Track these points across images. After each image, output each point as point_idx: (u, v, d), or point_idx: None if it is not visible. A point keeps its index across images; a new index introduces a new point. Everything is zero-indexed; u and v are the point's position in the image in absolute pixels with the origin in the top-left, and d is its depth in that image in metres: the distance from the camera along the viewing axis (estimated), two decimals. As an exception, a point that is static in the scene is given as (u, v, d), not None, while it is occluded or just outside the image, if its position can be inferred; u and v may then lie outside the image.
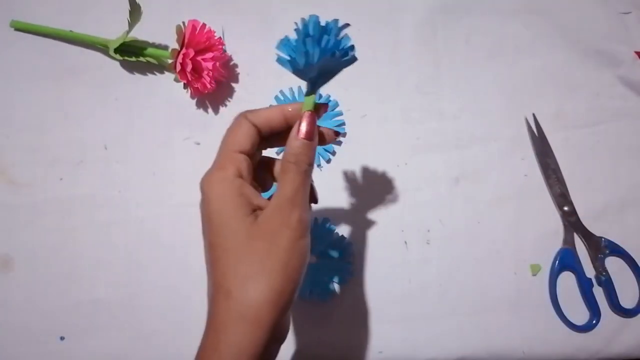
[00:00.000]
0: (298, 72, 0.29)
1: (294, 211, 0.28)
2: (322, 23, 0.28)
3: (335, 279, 0.46)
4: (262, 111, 0.31)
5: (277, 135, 0.31)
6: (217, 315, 0.27)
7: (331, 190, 0.49)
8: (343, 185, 0.49)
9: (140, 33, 0.48)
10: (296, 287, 0.28)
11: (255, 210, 0.29)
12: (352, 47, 0.28)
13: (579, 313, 0.48)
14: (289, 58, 0.28)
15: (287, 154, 0.29)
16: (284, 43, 0.28)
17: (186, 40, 0.46)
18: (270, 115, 0.30)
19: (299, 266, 0.28)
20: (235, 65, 0.51)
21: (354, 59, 0.29)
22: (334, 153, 0.50)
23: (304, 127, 0.29)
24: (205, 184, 0.29)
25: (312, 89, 0.30)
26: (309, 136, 0.29)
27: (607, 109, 0.52)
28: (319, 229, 0.47)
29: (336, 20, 0.28)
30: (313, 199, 0.32)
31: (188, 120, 0.50)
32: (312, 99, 0.30)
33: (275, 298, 0.27)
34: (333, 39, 0.28)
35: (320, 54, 0.28)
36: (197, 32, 0.46)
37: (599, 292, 0.48)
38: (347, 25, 0.28)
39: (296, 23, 0.28)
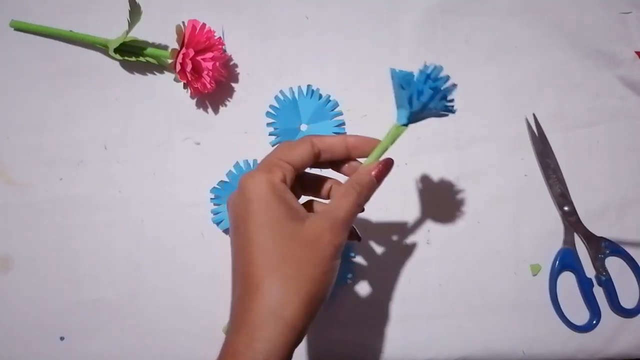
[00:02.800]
0: (405, 104, 0.31)
1: (342, 233, 0.30)
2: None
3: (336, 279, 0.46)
4: (327, 138, 0.33)
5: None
6: (250, 313, 0.28)
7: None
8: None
9: (140, 33, 0.48)
10: (326, 298, 0.30)
11: (295, 217, 0.30)
12: (452, 100, 0.31)
13: (579, 313, 0.48)
14: (404, 90, 0.31)
15: (354, 182, 0.31)
16: (404, 75, 0.30)
17: (186, 40, 0.46)
18: (334, 143, 0.33)
19: (332, 280, 0.30)
20: (235, 65, 0.51)
21: (452, 112, 0.32)
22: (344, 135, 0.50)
23: (380, 169, 0.32)
24: (249, 182, 0.30)
25: (407, 123, 0.32)
26: (379, 179, 0.32)
27: (607, 109, 0.52)
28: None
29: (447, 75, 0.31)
30: (356, 236, 0.36)
31: (188, 120, 0.50)
32: (402, 131, 0.32)
33: (311, 305, 0.28)
34: (446, 91, 0.30)
35: (437, 101, 0.30)
36: (197, 32, 0.46)
37: (599, 292, 0.48)
38: (455, 85, 0.31)
39: (425, 64, 0.30)
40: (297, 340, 0.28)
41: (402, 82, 0.30)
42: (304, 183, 0.35)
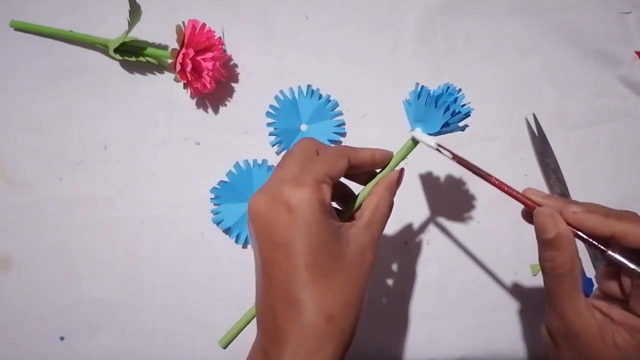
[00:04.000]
0: (430, 120, 0.33)
1: (379, 244, 0.31)
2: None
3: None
4: (360, 153, 0.33)
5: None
6: (303, 334, 0.28)
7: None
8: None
9: (140, 33, 0.48)
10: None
11: (339, 236, 0.30)
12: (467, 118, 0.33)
13: (579, 313, 0.48)
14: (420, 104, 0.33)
15: (384, 192, 0.33)
16: (434, 94, 0.32)
17: (186, 40, 0.46)
18: (365, 159, 0.33)
19: (366, 294, 0.31)
20: (235, 65, 0.51)
21: (463, 130, 0.34)
22: (344, 134, 0.50)
23: (400, 177, 0.34)
24: (298, 200, 0.28)
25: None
26: (399, 184, 0.34)
27: (607, 109, 0.52)
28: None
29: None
30: None
31: (188, 120, 0.50)
32: (416, 144, 0.34)
33: (358, 320, 0.29)
34: (462, 112, 0.32)
35: (461, 120, 0.33)
36: (197, 32, 0.46)
37: (599, 292, 0.48)
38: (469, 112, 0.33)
39: (448, 85, 0.33)
40: (346, 353, 0.29)
41: (434, 100, 0.32)
42: None
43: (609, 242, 0.30)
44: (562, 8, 0.53)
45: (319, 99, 0.50)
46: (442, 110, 0.32)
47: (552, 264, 0.30)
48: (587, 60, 0.52)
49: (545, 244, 0.30)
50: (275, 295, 0.29)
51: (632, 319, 0.30)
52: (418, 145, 0.34)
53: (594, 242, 0.30)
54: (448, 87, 0.32)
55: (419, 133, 0.33)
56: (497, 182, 0.32)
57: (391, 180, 0.33)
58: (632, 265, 0.29)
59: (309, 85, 0.50)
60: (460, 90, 0.32)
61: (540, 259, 0.31)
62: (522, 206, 0.50)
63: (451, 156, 0.32)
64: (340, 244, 0.29)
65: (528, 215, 0.33)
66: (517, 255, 0.48)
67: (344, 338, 0.28)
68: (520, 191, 0.32)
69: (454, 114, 0.32)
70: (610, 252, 0.29)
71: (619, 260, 0.29)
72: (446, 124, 0.32)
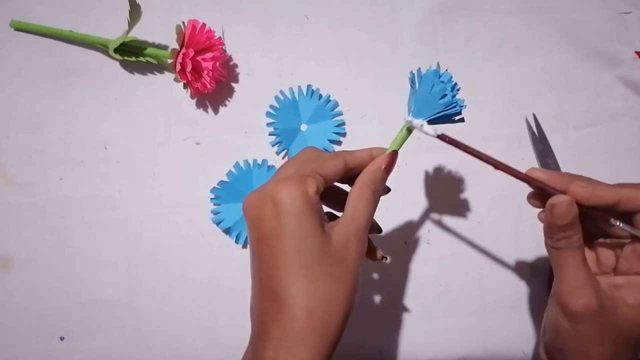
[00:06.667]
0: (430, 102, 0.32)
1: (365, 236, 0.31)
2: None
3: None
4: (357, 154, 0.33)
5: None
6: (287, 328, 0.28)
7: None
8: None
9: (140, 33, 0.48)
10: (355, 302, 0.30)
11: (323, 230, 0.30)
12: (460, 111, 0.34)
13: (579, 313, 0.48)
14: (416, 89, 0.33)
15: (368, 181, 0.32)
16: (432, 74, 0.32)
17: (186, 40, 0.46)
18: (363, 159, 0.33)
19: (358, 285, 0.30)
20: (235, 65, 0.51)
21: (461, 121, 0.34)
22: (344, 134, 0.50)
23: (389, 162, 0.32)
24: (282, 194, 0.29)
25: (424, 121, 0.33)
26: (389, 171, 0.33)
27: (607, 109, 0.52)
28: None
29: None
30: (377, 229, 0.37)
31: (188, 120, 0.50)
32: (411, 132, 0.33)
33: (345, 316, 0.29)
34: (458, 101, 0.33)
35: (447, 108, 0.32)
36: (197, 32, 0.46)
37: (599, 292, 0.48)
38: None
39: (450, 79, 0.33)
40: (333, 352, 0.29)
41: (432, 80, 0.32)
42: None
43: (611, 210, 0.32)
44: (562, 8, 0.53)
45: (319, 99, 0.50)
46: (439, 97, 0.31)
47: (568, 241, 0.32)
48: (587, 60, 0.52)
49: (561, 227, 0.32)
50: (262, 290, 0.29)
51: (635, 278, 0.32)
52: (411, 136, 0.34)
53: (601, 213, 0.33)
54: (445, 74, 0.32)
55: (418, 122, 0.32)
56: (505, 167, 0.33)
57: (375, 168, 0.32)
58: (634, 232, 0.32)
59: (309, 85, 0.50)
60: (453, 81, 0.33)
61: (552, 242, 0.33)
62: (521, 206, 0.50)
63: (455, 143, 0.32)
64: (324, 238, 0.29)
65: (538, 196, 0.35)
66: (517, 255, 0.48)
67: (327, 333, 0.28)
68: (524, 174, 0.35)
69: (449, 104, 0.32)
70: (619, 222, 0.32)
71: (625, 228, 0.32)
72: (443, 115, 0.32)
